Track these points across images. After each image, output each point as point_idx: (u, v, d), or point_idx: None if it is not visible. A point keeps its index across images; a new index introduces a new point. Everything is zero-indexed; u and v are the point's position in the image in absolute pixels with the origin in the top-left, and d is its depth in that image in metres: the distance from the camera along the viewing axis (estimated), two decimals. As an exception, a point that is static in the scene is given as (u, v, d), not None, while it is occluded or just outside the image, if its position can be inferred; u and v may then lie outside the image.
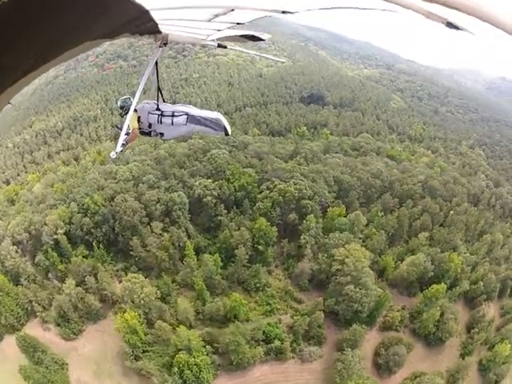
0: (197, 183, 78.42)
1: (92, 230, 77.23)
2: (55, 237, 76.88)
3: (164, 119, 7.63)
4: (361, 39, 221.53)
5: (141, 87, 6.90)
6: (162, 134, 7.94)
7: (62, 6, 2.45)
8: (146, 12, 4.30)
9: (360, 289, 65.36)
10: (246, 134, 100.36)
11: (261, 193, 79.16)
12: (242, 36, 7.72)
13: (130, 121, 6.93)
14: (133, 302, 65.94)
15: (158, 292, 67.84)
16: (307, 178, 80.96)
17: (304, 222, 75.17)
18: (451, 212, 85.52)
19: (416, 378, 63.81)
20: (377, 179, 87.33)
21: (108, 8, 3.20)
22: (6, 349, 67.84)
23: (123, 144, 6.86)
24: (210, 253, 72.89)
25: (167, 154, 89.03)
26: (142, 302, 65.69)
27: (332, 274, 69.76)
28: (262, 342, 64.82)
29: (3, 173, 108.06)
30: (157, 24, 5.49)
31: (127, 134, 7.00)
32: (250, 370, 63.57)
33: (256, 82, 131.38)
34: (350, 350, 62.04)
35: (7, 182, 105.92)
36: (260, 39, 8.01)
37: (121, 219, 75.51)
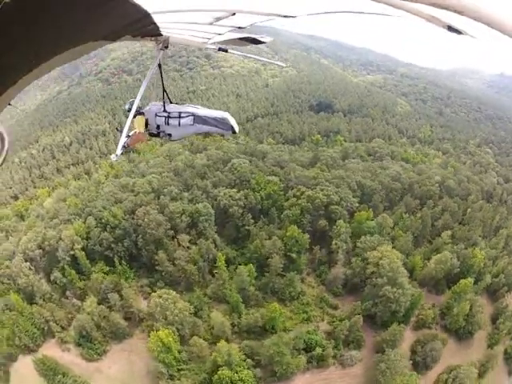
0: (221, 193, 76.12)
1: (112, 245, 74.23)
2: (72, 253, 74.07)
3: (171, 120, 7.63)
4: (359, 45, 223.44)
5: (142, 90, 7.01)
6: (170, 135, 7.89)
7: (63, 7, 2.42)
8: (148, 15, 4.34)
9: (397, 289, 64.44)
10: (261, 143, 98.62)
11: (287, 200, 77.05)
12: (242, 39, 7.62)
13: (130, 124, 6.99)
14: (165, 319, 62.77)
15: (191, 307, 64.96)
16: (332, 184, 79.23)
17: (334, 227, 73.85)
18: (468, 210, 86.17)
19: (451, 371, 62.64)
20: (397, 182, 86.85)
21: (110, 10, 3.14)
22: (22, 370, 64.59)
23: (124, 147, 6.99)
24: (240, 264, 70.42)
25: (185, 165, 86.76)
26: (176, 318, 62.63)
27: (367, 276, 68.83)
28: (301, 351, 62.67)
29: (10, 188, 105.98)
30: (158, 27, 5.59)
31: (128, 136, 7.12)
32: (292, 380, 61.15)
33: (263, 93, 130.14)
34: (390, 350, 60.89)
35: (15, 197, 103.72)
36: (261, 42, 7.99)
37: (144, 233, 72.87)
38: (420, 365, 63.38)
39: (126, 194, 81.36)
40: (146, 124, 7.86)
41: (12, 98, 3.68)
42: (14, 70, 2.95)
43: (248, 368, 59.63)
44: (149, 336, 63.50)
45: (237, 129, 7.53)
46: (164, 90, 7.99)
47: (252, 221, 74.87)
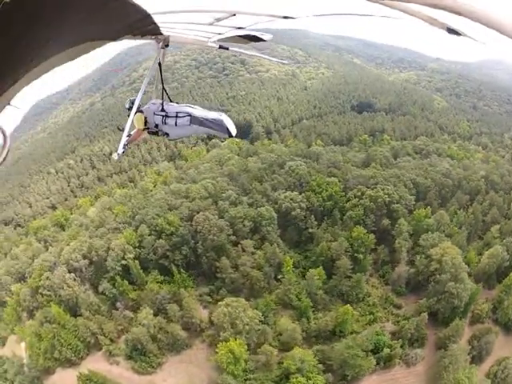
0: (282, 196, 74.40)
1: (168, 253, 72.38)
2: (123, 262, 72.11)
3: (168, 120, 7.45)
4: (387, 43, 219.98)
5: (143, 89, 7.07)
6: (167, 134, 7.74)
7: (63, 7, 2.41)
8: (148, 15, 4.37)
9: (459, 284, 63.77)
10: (310, 146, 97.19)
11: (348, 201, 75.31)
12: (243, 37, 7.42)
13: (131, 122, 7.01)
14: (233, 328, 60.60)
15: (260, 314, 62.98)
16: (389, 183, 77.60)
17: (396, 226, 72.56)
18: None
19: (500, 363, 61.51)
20: (447, 179, 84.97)
21: (110, 10, 3.14)
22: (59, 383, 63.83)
23: (125, 145, 7.05)
24: (304, 267, 69.24)
25: (239, 169, 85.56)
26: (247, 327, 60.64)
27: (430, 274, 67.50)
28: (369, 352, 61.05)
29: (47, 198, 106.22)
30: (158, 26, 5.58)
31: (129, 135, 7.21)
32: (360, 382, 59.86)
33: (303, 95, 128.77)
34: (453, 345, 60.14)
35: (53, 207, 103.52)
36: (262, 40, 7.70)
37: (204, 239, 70.97)
38: (475, 358, 62.52)
39: (179, 200, 79.78)
40: (145, 122, 7.69)
41: (12, 98, 3.64)
42: (14, 70, 2.90)
43: (318, 373, 58.36)
44: (215, 346, 61.62)
45: (233, 131, 7.22)
46: (163, 89, 7.80)
47: (315, 223, 73.09)
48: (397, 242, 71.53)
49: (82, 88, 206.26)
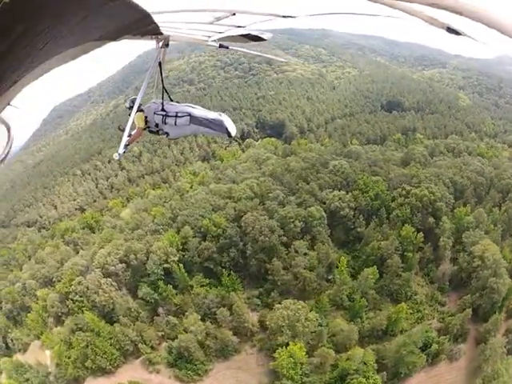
0: (330, 196, 73.59)
1: (214, 256, 70.31)
2: (166, 266, 69.40)
3: (168, 120, 7.48)
4: (407, 40, 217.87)
5: (143, 88, 7.10)
6: (167, 134, 7.76)
7: (63, 7, 2.39)
8: (148, 15, 4.29)
9: (499, 279, 64.25)
10: (345, 145, 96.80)
11: (393, 200, 74.75)
12: (243, 36, 7.47)
13: (132, 122, 7.01)
14: (291, 331, 58.88)
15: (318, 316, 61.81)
16: (431, 182, 77.37)
17: (440, 224, 72.28)
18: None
19: None
20: (481, 177, 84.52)
21: (109, 10, 3.12)
22: None
23: (126, 145, 7.03)
24: (353, 268, 68.89)
25: (282, 169, 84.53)
26: (306, 329, 59.28)
27: (472, 270, 67.89)
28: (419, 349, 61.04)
29: (74, 200, 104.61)
30: (158, 26, 5.49)
31: (129, 135, 7.18)
32: (410, 379, 59.86)
33: (332, 95, 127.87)
34: (492, 339, 60.95)
35: (81, 209, 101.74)
36: (262, 39, 7.85)
37: (254, 240, 69.09)
38: (509, 351, 62.93)
39: (222, 200, 78.06)
40: (146, 121, 7.75)
41: (12, 98, 3.60)
42: (14, 70, 2.89)
43: (373, 373, 58.30)
44: (267, 351, 61.19)
45: (233, 132, 7.26)
46: (163, 89, 7.82)
47: (363, 222, 72.57)
48: (441, 240, 71.17)
49: (103, 91, 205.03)
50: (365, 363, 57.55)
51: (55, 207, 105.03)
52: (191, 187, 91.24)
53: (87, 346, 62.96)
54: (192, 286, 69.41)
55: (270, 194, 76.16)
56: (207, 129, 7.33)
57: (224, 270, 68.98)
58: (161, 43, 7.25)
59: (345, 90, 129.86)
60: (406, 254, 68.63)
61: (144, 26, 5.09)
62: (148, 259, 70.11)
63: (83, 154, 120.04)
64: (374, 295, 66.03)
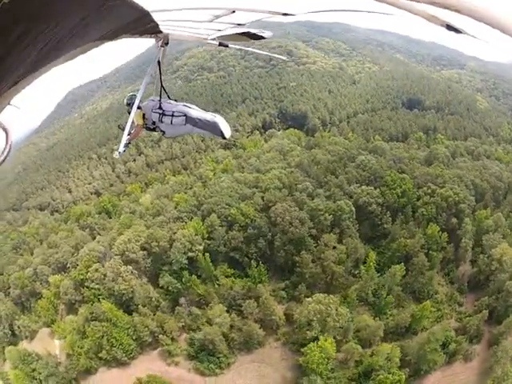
0: (359, 190, 73.37)
1: (241, 246, 69.32)
2: (190, 254, 67.78)
3: (164, 118, 7.46)
4: (426, 39, 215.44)
5: (143, 86, 6.98)
6: (163, 132, 7.78)
7: (62, 7, 2.42)
8: (147, 14, 4.31)
9: None
10: (368, 141, 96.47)
11: (419, 199, 74.79)
12: (242, 34, 7.46)
13: (132, 120, 6.94)
14: (321, 326, 58.16)
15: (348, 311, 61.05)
16: (454, 183, 77.61)
17: (462, 225, 72.41)
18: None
19: None
20: (500, 182, 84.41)
21: (108, 10, 3.12)
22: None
23: (126, 143, 7.07)
24: (379, 264, 68.72)
25: (309, 161, 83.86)
26: (337, 324, 58.47)
27: (490, 273, 68.26)
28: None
29: (89, 184, 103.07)
30: (157, 25, 5.55)
31: (129, 134, 7.20)
32: (427, 377, 60.31)
33: (353, 89, 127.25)
34: (505, 341, 61.13)
35: (97, 193, 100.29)
36: (261, 37, 7.74)
37: (283, 232, 68.29)
38: None
39: (250, 190, 77.09)
40: (144, 118, 7.81)
41: (12, 98, 3.60)
42: (14, 71, 2.90)
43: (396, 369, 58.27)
44: (292, 345, 60.82)
45: (227, 134, 7.26)
46: (162, 87, 7.86)
47: (390, 219, 72.51)
48: (463, 241, 71.33)
49: (119, 76, 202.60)
50: (389, 359, 57.77)
51: (69, 191, 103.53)
52: (214, 175, 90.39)
53: (103, 337, 61.74)
54: (216, 277, 68.61)
55: (299, 186, 75.63)
56: (202, 130, 7.36)
57: (251, 260, 68.10)
58: (160, 42, 7.29)
59: (366, 85, 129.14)
60: (430, 252, 69.02)
61: (143, 24, 5.11)
62: (171, 247, 68.66)
63: (99, 137, 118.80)
64: (399, 292, 66.39)
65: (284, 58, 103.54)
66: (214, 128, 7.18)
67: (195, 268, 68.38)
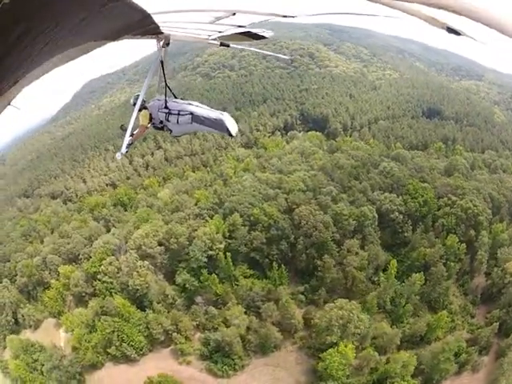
0: (382, 197, 73.92)
1: (262, 247, 68.87)
2: (210, 253, 67.14)
3: (171, 117, 7.56)
4: (444, 48, 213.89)
5: (145, 86, 7.18)
6: (170, 131, 7.89)
7: (63, 7, 2.42)
8: (148, 15, 4.33)
9: None
10: (388, 147, 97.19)
11: (439, 209, 75.56)
12: (243, 34, 7.57)
13: (134, 121, 7.03)
14: (341, 331, 58.10)
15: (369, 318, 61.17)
16: (474, 194, 78.23)
17: (479, 238, 73.18)
18: None
19: None
20: None
21: (110, 11, 3.15)
22: (108, 379, 59.89)
23: (129, 144, 7.11)
24: (397, 272, 68.59)
25: (332, 165, 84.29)
26: (358, 331, 58.29)
27: (502, 286, 69.07)
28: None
29: (105, 175, 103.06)
30: (158, 26, 5.58)
31: (132, 134, 7.30)
32: None
33: (374, 95, 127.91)
34: (511, 354, 61.52)
35: (113, 185, 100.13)
36: (262, 37, 7.93)
37: (307, 235, 68.21)
38: None
39: (272, 190, 76.85)
40: (151, 118, 7.93)
41: (13, 99, 3.59)
42: (15, 70, 2.91)
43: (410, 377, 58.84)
44: (308, 349, 60.63)
45: (233, 132, 7.31)
46: (166, 86, 7.88)
47: (410, 227, 73.30)
48: (479, 253, 72.27)
49: (138, 70, 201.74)
50: (404, 367, 58.02)
51: (84, 181, 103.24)
52: (234, 173, 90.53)
53: (113, 332, 60.81)
54: (236, 277, 68.22)
55: (323, 189, 75.82)
56: (208, 128, 7.49)
57: (272, 262, 67.84)
58: (161, 42, 7.36)
59: (386, 92, 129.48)
60: (448, 263, 69.77)
61: (144, 26, 5.16)
62: (190, 244, 68.01)
63: (117, 129, 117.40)
64: (415, 301, 67.14)
65: (287, 57, 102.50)
66: (220, 126, 7.30)
67: (214, 267, 68.01)
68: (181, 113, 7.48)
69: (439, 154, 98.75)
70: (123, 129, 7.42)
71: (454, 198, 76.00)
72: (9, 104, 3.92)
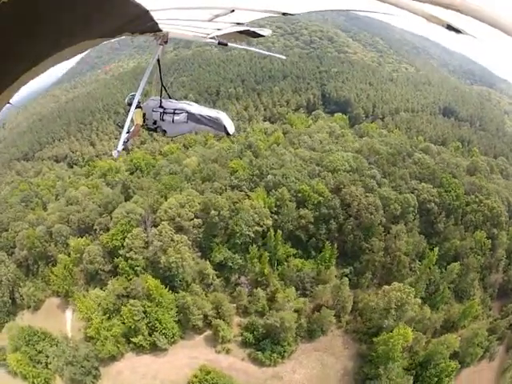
0: (420, 187, 76.49)
1: (309, 226, 67.30)
2: (257, 228, 63.17)
3: (166, 117, 7.68)
4: (458, 50, 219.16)
5: (142, 85, 7.13)
6: (165, 132, 7.99)
7: (61, 5, 2.55)
8: (147, 12, 4.37)
9: None
10: (410, 138, 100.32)
11: (467, 205, 79.15)
12: (242, 32, 7.84)
13: (131, 119, 7.06)
14: (396, 315, 58.19)
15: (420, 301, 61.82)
16: (496, 196, 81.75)
17: (499, 237, 77.62)
18: None
19: None
20: None
21: (108, 8, 3.33)
22: (127, 371, 54.56)
23: (125, 142, 7.02)
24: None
25: (368, 149, 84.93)
26: (413, 314, 58.75)
27: None
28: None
29: (116, 138, 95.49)
30: (157, 23, 5.60)
31: (128, 132, 7.12)
32: (463, 370, 63.90)
33: (392, 86, 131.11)
34: None
35: (125, 149, 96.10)
36: (260, 35, 8.14)
37: (357, 216, 67.96)
38: None
39: (317, 167, 75.52)
40: (144, 118, 7.95)
41: (11, 97, 3.69)
42: (14, 69, 3.00)
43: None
44: (354, 333, 60.57)
45: (231, 130, 7.43)
46: (162, 85, 8.03)
47: (444, 219, 76.39)
48: (498, 251, 77.07)
49: (149, 37, 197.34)
50: (440, 353, 59.11)
51: (92, 144, 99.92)
52: (266, 146, 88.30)
53: (144, 318, 55.47)
54: (284, 257, 65.27)
55: (367, 172, 76.61)
56: (205, 126, 7.52)
57: (319, 242, 66.37)
58: (159, 40, 7.35)
59: (404, 85, 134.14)
60: (475, 256, 74.27)
61: (143, 23, 5.21)
62: (230, 218, 64.60)
63: (128, 93, 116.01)
64: (447, 289, 70.49)
65: (283, 56, 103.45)
66: (217, 124, 7.34)
67: (259, 245, 64.84)
68: (176, 111, 7.56)
69: (457, 153, 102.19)
70: (119, 125, 7.68)
71: (480, 197, 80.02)
72: (7, 103, 3.95)
